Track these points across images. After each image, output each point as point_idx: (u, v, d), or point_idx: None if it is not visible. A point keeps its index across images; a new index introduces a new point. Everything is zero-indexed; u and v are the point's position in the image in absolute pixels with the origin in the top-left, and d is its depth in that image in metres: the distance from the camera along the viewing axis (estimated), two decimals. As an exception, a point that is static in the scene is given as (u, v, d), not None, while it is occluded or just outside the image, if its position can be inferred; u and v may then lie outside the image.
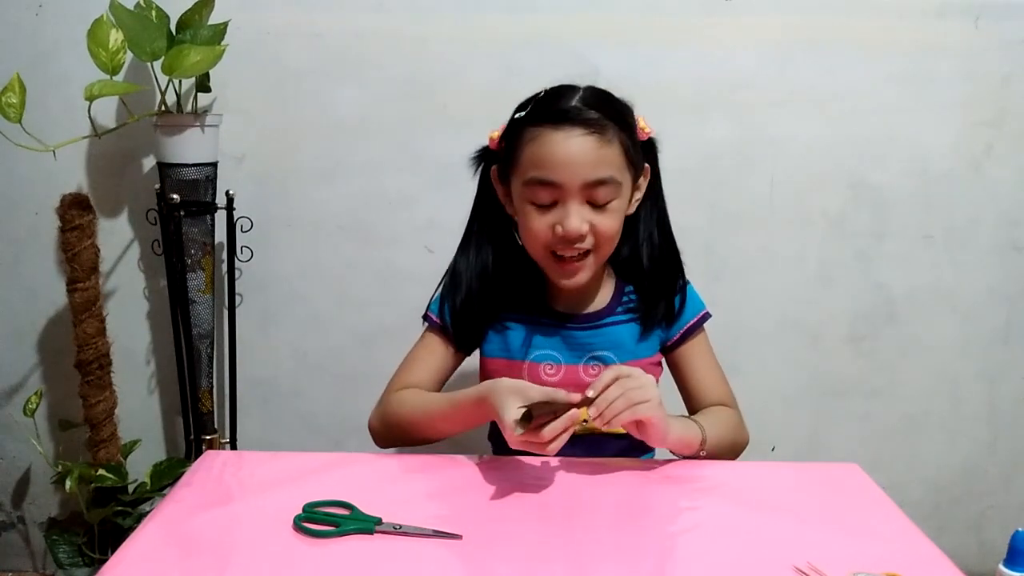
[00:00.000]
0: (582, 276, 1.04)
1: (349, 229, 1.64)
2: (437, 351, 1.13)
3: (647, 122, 1.08)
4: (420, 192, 1.62)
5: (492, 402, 0.92)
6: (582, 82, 1.05)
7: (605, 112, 0.99)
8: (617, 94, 1.05)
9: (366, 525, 0.81)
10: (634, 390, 0.89)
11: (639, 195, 1.08)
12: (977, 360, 1.73)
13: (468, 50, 1.57)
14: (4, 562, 1.82)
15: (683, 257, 1.17)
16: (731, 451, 1.08)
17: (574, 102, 0.99)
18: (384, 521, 0.82)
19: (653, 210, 1.12)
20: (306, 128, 1.60)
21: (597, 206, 1.00)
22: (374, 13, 1.56)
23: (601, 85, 1.06)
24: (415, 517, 0.83)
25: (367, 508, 0.84)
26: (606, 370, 0.92)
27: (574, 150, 0.97)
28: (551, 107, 1.00)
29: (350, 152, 1.61)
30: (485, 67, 1.57)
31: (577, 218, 0.99)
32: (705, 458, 1.01)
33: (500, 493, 0.90)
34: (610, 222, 1.01)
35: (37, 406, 1.55)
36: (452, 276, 1.13)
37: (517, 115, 1.04)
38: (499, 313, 1.12)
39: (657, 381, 1.13)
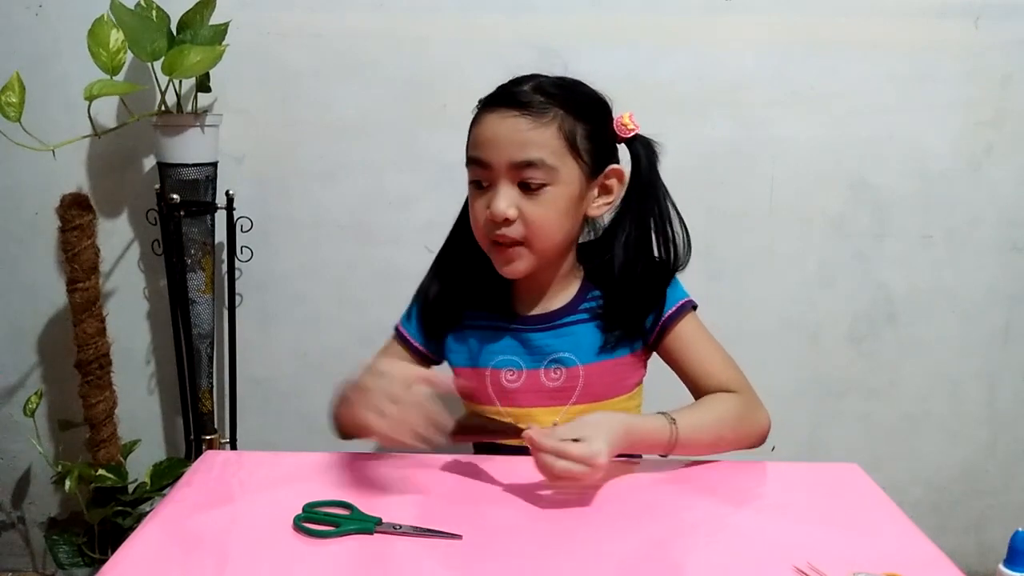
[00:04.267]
0: (518, 265, 1.00)
1: (349, 229, 1.64)
2: (391, 357, 1.11)
3: (634, 120, 1.03)
4: (420, 192, 1.62)
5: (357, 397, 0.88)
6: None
7: (554, 98, 0.97)
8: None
9: (366, 525, 0.81)
10: (576, 474, 0.84)
11: (609, 198, 1.03)
12: (977, 360, 1.73)
13: (468, 50, 1.57)
14: (4, 562, 1.82)
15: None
16: (736, 437, 1.01)
17: (524, 87, 0.98)
18: (384, 521, 0.82)
19: (633, 222, 1.05)
20: (306, 128, 1.60)
21: (529, 192, 0.97)
22: (374, 13, 1.56)
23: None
24: (415, 517, 0.83)
25: (367, 508, 0.84)
26: (559, 429, 0.87)
27: (503, 129, 0.96)
28: (500, 91, 1.00)
29: (350, 152, 1.61)
30: (485, 67, 1.57)
31: (504, 200, 0.96)
32: (693, 451, 0.98)
33: (500, 493, 0.90)
34: (543, 211, 0.97)
35: (37, 406, 1.56)
36: (427, 277, 1.13)
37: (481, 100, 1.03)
38: (462, 314, 1.10)
39: (640, 381, 1.12)
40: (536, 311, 1.08)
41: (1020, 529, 0.76)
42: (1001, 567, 0.76)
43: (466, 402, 1.12)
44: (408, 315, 1.14)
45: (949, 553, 0.80)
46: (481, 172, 0.99)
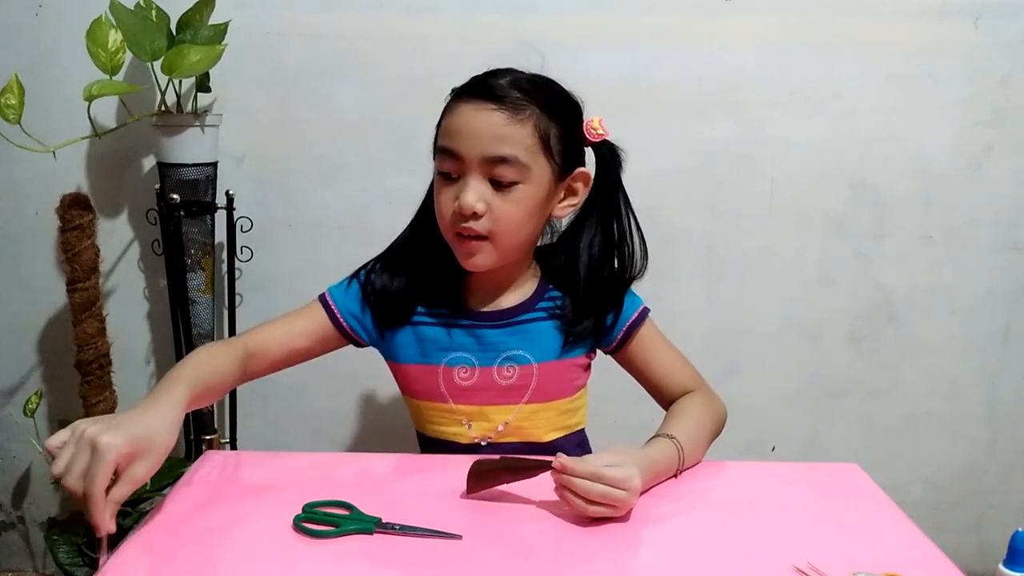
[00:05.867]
0: (479, 259, 0.99)
1: (349, 229, 1.64)
2: (307, 319, 1.08)
3: (604, 125, 1.03)
4: (420, 192, 1.61)
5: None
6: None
7: (530, 95, 0.96)
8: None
9: (366, 525, 0.81)
10: (615, 498, 0.83)
11: (574, 200, 1.04)
12: (977, 360, 1.73)
13: (468, 50, 1.56)
14: (4, 562, 1.82)
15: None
16: (713, 434, 1.05)
17: (501, 80, 0.97)
18: (384, 521, 0.82)
19: (601, 225, 1.05)
20: (306, 128, 1.60)
21: (499, 188, 0.96)
22: (374, 13, 1.56)
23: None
24: (415, 517, 0.83)
25: (367, 508, 0.84)
26: (589, 458, 0.85)
27: (478, 122, 0.95)
28: (475, 81, 0.99)
29: (350, 152, 1.61)
30: (485, 67, 1.57)
31: (473, 194, 0.95)
32: (691, 463, 0.99)
33: (500, 493, 0.90)
34: (512, 208, 0.97)
35: (37, 406, 1.55)
36: (384, 260, 1.10)
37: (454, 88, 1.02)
38: (415, 308, 1.07)
39: (584, 384, 1.12)
40: (491, 308, 1.07)
41: (1020, 529, 0.76)
42: (1001, 567, 0.76)
43: (418, 401, 1.09)
44: (342, 288, 1.10)
45: (949, 553, 0.80)
46: (451, 163, 0.97)
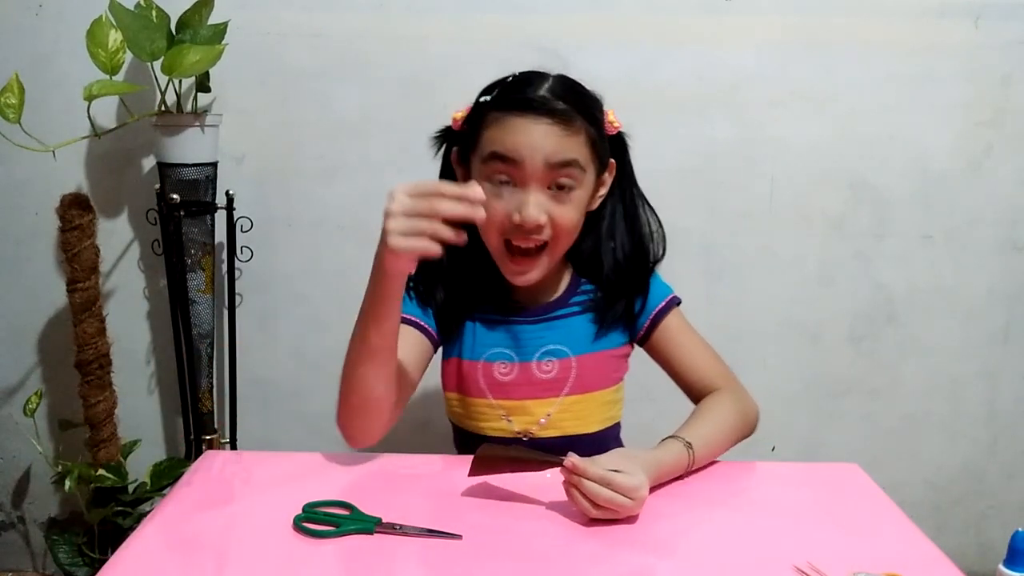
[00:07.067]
0: (533, 275, 1.01)
1: (349, 229, 1.64)
2: (405, 337, 1.05)
3: (616, 116, 1.05)
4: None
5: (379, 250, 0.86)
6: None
7: (572, 103, 0.97)
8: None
9: (366, 525, 0.81)
10: (619, 505, 0.83)
11: (603, 191, 1.05)
12: (977, 360, 1.73)
13: (468, 50, 1.57)
14: (4, 562, 1.82)
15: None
16: (738, 434, 1.04)
17: (542, 91, 0.97)
18: (384, 521, 0.82)
19: (620, 207, 1.08)
20: (306, 128, 1.60)
21: (559, 191, 0.97)
22: (374, 13, 1.56)
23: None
24: (415, 517, 0.83)
25: (367, 508, 0.84)
26: (600, 459, 0.86)
27: (537, 134, 0.95)
28: (517, 94, 0.98)
29: (350, 152, 1.61)
30: (485, 67, 1.56)
31: (536, 207, 0.95)
32: (706, 463, 0.99)
33: (500, 493, 0.90)
34: (570, 214, 0.98)
35: (37, 406, 1.56)
36: (419, 269, 1.07)
37: (482, 98, 1.01)
38: (463, 312, 1.08)
39: (623, 377, 1.13)
40: (528, 303, 1.09)
41: (1020, 529, 0.76)
42: (1001, 567, 0.76)
43: (457, 397, 1.10)
44: (405, 302, 1.08)
45: (949, 553, 0.80)
46: (509, 170, 0.96)
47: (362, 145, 1.61)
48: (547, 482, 0.88)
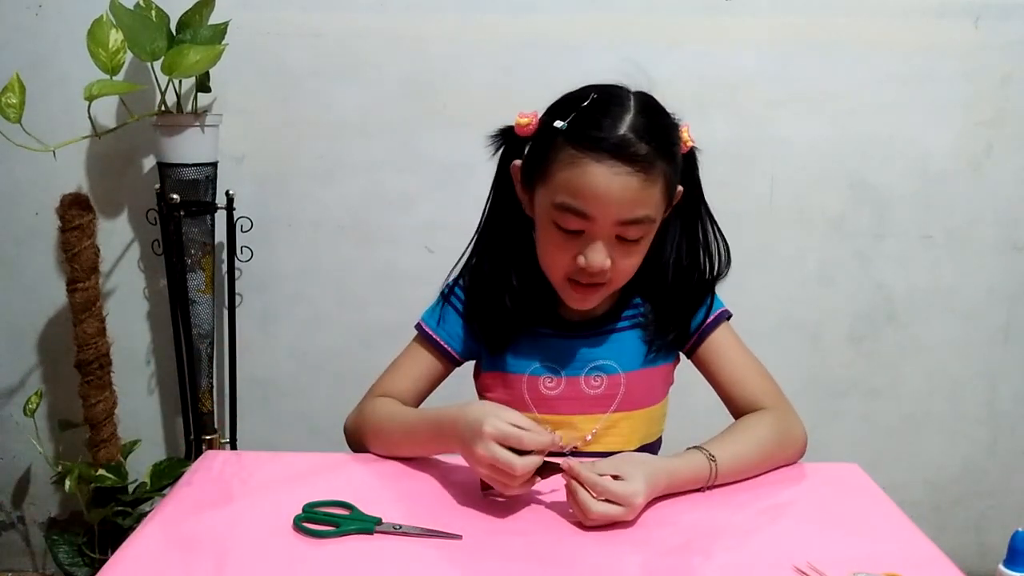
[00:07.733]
0: (592, 301, 1.00)
1: (349, 229, 1.64)
2: (421, 363, 1.08)
3: (691, 134, 1.01)
4: (420, 192, 1.62)
5: (459, 432, 0.88)
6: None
7: (655, 144, 0.91)
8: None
9: (366, 525, 0.81)
10: (612, 516, 0.83)
11: (667, 212, 1.01)
12: (977, 360, 1.73)
13: (468, 50, 1.57)
14: (4, 562, 1.82)
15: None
16: (776, 459, 1.00)
17: (622, 129, 0.90)
18: (384, 521, 0.82)
19: (684, 231, 1.04)
20: (306, 128, 1.60)
21: (625, 243, 0.95)
22: (374, 13, 1.56)
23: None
24: (415, 517, 0.83)
25: (367, 508, 0.84)
26: (601, 464, 0.86)
27: (615, 187, 0.90)
28: (596, 131, 0.91)
29: (350, 152, 1.61)
30: (485, 67, 1.57)
31: (601, 255, 0.93)
32: (733, 480, 0.95)
33: (500, 494, 0.90)
34: (634, 261, 0.97)
35: (37, 406, 1.56)
36: (474, 278, 1.07)
37: (557, 123, 0.94)
38: (515, 326, 1.06)
39: (668, 391, 1.11)
40: (578, 319, 1.05)
41: (1020, 529, 0.76)
42: (1001, 567, 0.76)
43: None
44: (436, 318, 1.09)
45: (949, 553, 0.80)
46: (580, 223, 0.93)
47: (362, 145, 1.61)
48: (547, 482, 0.88)
